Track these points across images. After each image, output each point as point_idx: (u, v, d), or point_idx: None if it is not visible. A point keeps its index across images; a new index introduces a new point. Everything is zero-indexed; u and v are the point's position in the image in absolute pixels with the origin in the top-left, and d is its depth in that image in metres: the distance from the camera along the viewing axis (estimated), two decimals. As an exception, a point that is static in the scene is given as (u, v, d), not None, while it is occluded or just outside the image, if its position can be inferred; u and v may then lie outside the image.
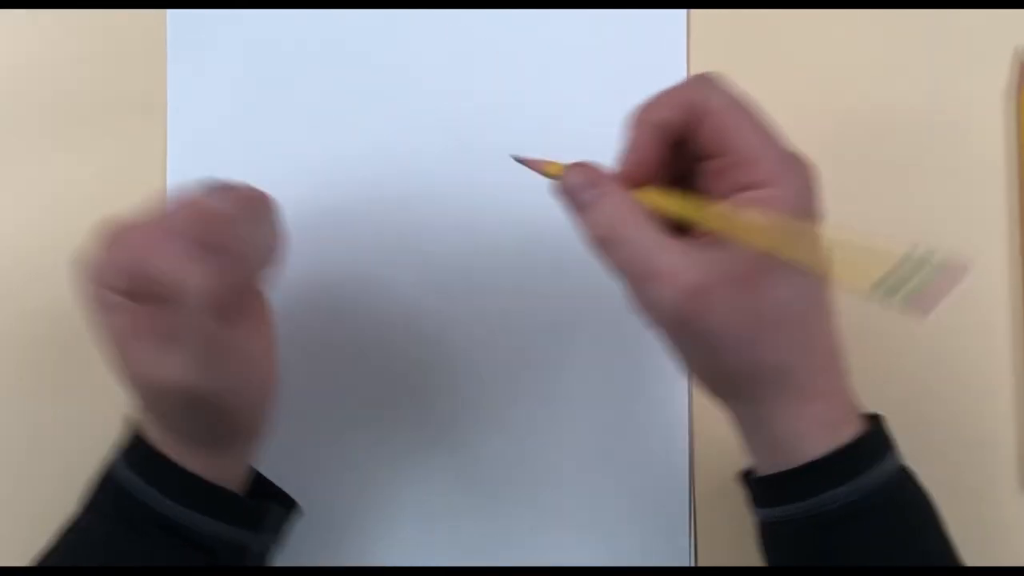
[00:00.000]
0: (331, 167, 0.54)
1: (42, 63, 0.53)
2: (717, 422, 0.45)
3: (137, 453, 0.43)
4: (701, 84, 0.39)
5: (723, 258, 0.37)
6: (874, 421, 0.42)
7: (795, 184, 0.38)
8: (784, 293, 0.38)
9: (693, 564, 0.52)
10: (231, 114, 0.54)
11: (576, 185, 0.40)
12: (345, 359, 0.53)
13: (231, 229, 0.40)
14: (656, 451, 0.53)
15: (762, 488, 0.43)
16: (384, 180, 0.54)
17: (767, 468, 0.42)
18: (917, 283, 0.34)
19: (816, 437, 0.40)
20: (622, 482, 0.53)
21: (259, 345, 0.43)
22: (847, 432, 0.40)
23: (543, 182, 0.41)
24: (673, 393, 0.53)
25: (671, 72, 0.55)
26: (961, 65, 0.55)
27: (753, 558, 0.44)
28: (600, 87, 0.55)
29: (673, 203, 0.39)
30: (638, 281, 0.38)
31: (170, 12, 0.54)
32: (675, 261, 0.37)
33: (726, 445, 0.45)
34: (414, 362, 0.53)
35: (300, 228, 0.50)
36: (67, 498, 0.44)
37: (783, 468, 0.40)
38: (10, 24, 0.53)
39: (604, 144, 0.47)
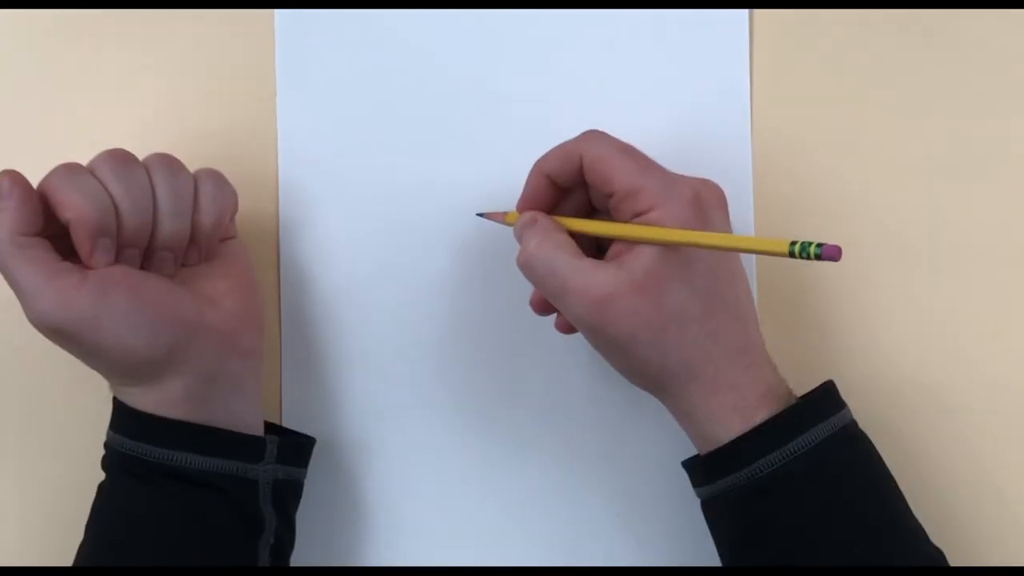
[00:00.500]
0: (435, 187, 0.55)
1: (169, 104, 0.55)
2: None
3: (115, 411, 0.47)
4: (583, 139, 0.47)
5: (624, 272, 0.44)
6: (813, 393, 0.46)
7: (675, 204, 0.44)
8: (680, 298, 0.44)
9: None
10: (340, 138, 0.55)
11: (519, 225, 0.47)
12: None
13: (68, 179, 0.43)
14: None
15: (696, 469, 0.48)
16: (483, 198, 0.54)
17: (703, 451, 0.47)
18: (817, 244, 0.39)
19: (731, 422, 0.45)
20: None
21: (155, 287, 0.45)
22: (761, 415, 0.44)
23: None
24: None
25: (734, 72, 0.54)
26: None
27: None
28: (663, 88, 0.55)
29: (588, 224, 0.47)
30: (556, 297, 0.45)
31: (279, 43, 0.55)
32: (585, 278, 0.44)
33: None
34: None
35: (411, 246, 0.54)
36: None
37: (710, 449, 0.45)
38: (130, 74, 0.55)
39: (668, 146, 0.50)
